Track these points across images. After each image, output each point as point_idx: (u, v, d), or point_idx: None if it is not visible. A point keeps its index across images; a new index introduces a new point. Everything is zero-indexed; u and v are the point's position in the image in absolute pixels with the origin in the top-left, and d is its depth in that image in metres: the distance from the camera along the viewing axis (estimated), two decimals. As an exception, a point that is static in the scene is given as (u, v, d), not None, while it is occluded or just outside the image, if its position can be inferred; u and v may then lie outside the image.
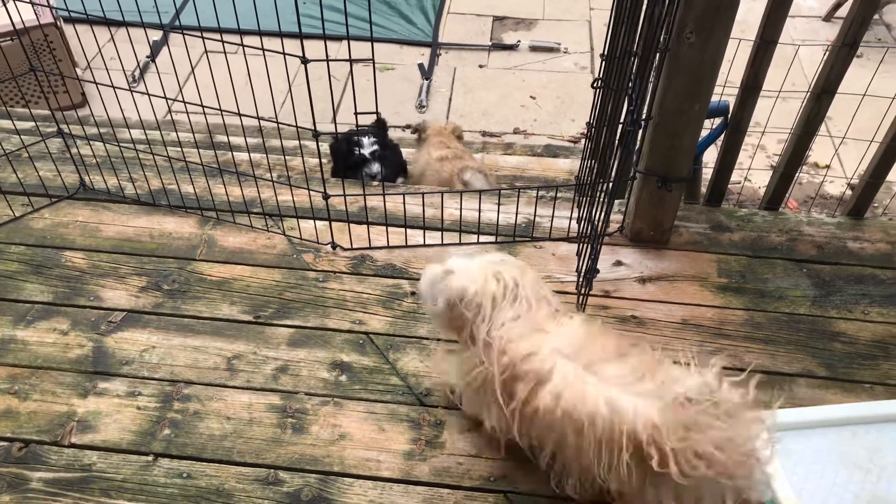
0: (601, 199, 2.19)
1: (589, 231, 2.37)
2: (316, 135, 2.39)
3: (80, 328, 2.44)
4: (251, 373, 2.33)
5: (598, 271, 2.23)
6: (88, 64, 4.26)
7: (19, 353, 2.36)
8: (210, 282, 2.60)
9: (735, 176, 2.93)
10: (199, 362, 2.36)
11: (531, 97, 5.20)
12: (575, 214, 2.77)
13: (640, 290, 2.58)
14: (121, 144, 2.87)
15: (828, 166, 4.53)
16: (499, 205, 2.80)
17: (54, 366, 2.34)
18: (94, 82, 2.58)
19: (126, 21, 2.08)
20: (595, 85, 2.25)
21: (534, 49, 5.58)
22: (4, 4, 2.55)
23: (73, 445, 2.15)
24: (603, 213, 2.14)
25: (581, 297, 2.39)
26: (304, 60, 2.16)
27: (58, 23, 4.66)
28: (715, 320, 2.48)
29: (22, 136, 2.95)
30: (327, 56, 2.18)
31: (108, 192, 2.89)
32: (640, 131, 2.46)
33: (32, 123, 3.40)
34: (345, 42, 4.81)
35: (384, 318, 2.49)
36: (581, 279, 2.41)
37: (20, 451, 2.13)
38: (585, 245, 2.42)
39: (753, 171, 4.29)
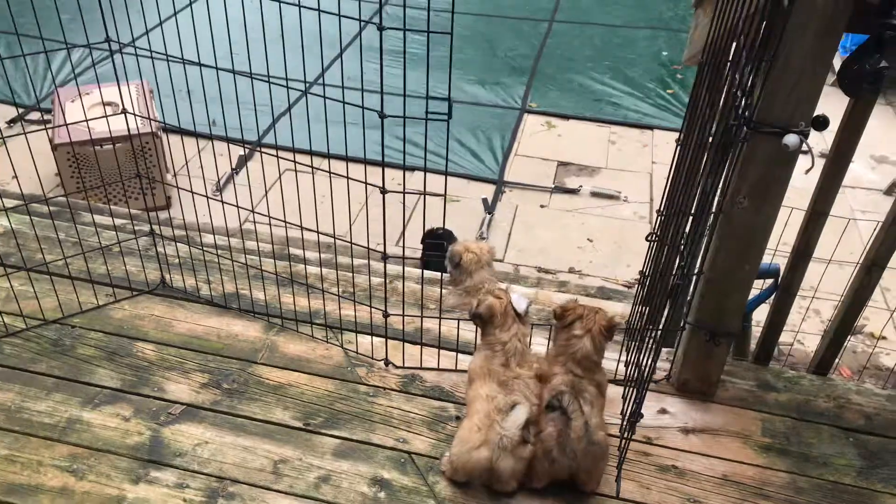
0: (649, 346, 2.27)
1: (635, 376, 2.44)
2: (384, 258, 2.57)
3: (142, 416, 2.57)
4: (295, 478, 2.41)
5: (641, 416, 2.28)
6: (177, 171, 4.63)
7: (83, 434, 2.50)
8: (267, 385, 2.72)
9: (787, 337, 2.97)
10: (247, 462, 2.45)
11: (588, 240, 5.37)
12: (623, 358, 2.84)
13: (683, 441, 2.60)
14: (203, 248, 3.11)
15: (883, 337, 4.50)
16: (549, 339, 2.89)
17: (112, 449, 2.46)
18: (191, 191, 2.84)
19: (215, 136, 2.32)
20: (650, 238, 2.38)
21: (595, 195, 5.81)
22: (125, 115, 2.88)
23: (118, 530, 2.23)
24: (650, 360, 2.22)
25: (623, 440, 2.42)
26: (384, 191, 2.37)
27: (158, 132, 5.10)
28: (756, 480, 2.47)
29: (118, 233, 3.21)
30: (404, 188, 2.38)
31: (184, 290, 3.09)
32: (692, 284, 2.57)
33: (125, 220, 3.70)
34: (416, 172, 5.10)
35: (427, 440, 2.56)
36: (624, 423, 2.45)
37: (69, 530, 2.22)
38: (631, 389, 2.48)
39: (806, 335, 4.29)
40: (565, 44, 7.87)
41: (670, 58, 7.58)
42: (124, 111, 2.92)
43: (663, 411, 2.71)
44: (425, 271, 3.56)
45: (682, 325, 2.62)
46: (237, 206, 2.82)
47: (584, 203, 5.76)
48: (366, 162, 2.35)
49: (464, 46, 7.39)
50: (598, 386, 2.36)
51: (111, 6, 2.60)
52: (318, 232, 2.61)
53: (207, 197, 2.84)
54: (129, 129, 3.22)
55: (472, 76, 7.04)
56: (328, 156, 2.55)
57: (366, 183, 2.40)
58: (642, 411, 2.35)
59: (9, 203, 3.43)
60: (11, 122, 5.93)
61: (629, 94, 6.99)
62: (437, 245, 3.99)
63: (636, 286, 2.95)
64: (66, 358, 2.75)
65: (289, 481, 2.40)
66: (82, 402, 2.61)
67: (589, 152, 6.32)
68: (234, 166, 5.54)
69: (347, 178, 2.44)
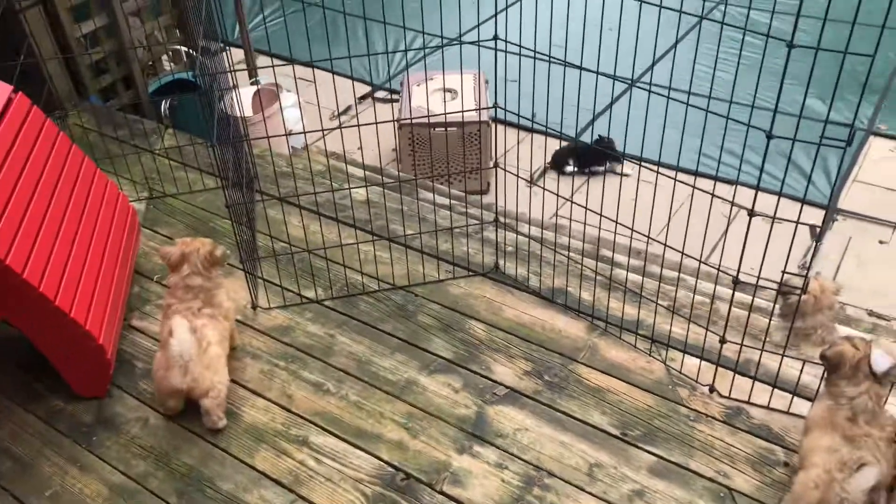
0: None
1: None
2: (735, 282, 2.45)
3: (469, 391, 2.74)
4: (609, 486, 2.41)
5: None
6: (497, 160, 4.84)
7: (418, 396, 2.72)
8: (586, 385, 2.75)
9: None
10: (563, 458, 2.50)
11: (936, 288, 4.70)
12: None
13: None
14: (531, 238, 3.21)
15: None
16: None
17: (443, 417, 2.65)
18: (521, 178, 2.94)
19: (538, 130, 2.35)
20: None
21: (949, 238, 5.06)
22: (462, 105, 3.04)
23: (443, 493, 2.40)
24: None
25: None
26: (752, 213, 2.25)
27: (489, 121, 5.37)
28: None
29: (468, 218, 3.40)
30: (775, 214, 2.25)
31: (514, 278, 3.23)
32: None
33: (454, 201, 3.95)
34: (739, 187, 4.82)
35: (751, 479, 2.42)
36: None
37: (402, 482, 2.44)
38: None
39: None
40: (929, 61, 6.90)
41: None
42: (496, 105, 3.09)
43: None
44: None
45: None
46: (569, 200, 2.86)
47: (935, 246, 5.04)
48: (716, 179, 2.26)
49: (804, 54, 6.78)
50: None
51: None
52: (670, 247, 2.56)
53: (542, 188, 2.91)
54: (462, 117, 3.40)
55: (812, 88, 6.45)
56: (696, 173, 2.49)
57: (732, 203, 2.30)
58: None
59: (358, 172, 3.83)
60: (361, 98, 6.60)
61: None
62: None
63: None
64: (408, 322, 3.02)
65: (602, 487, 2.41)
66: (420, 366, 2.84)
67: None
68: (548, 161, 5.66)
69: (713, 195, 2.35)
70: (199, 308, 2.59)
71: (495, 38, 2.68)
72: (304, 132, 3.21)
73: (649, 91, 2.36)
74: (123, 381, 2.80)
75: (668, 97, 2.30)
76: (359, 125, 2.82)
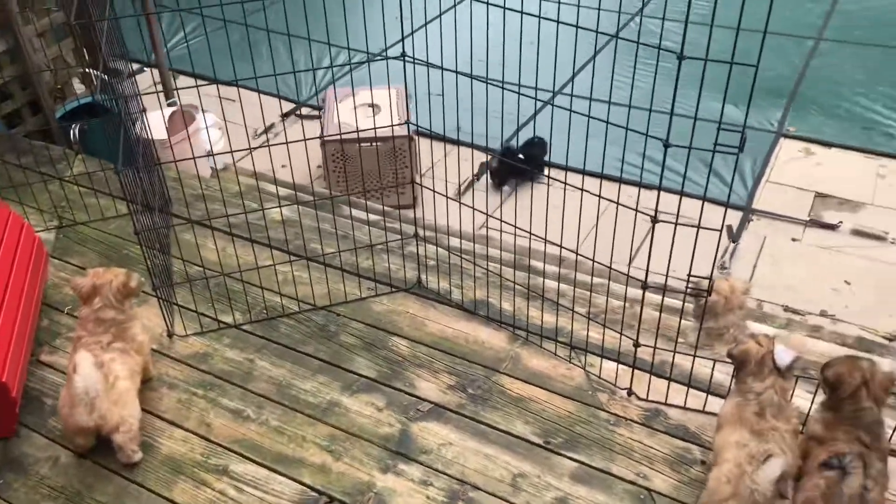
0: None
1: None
2: (644, 287, 2.51)
3: (393, 409, 2.73)
4: (532, 495, 2.43)
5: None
6: (423, 172, 4.86)
7: (341, 417, 2.69)
8: (509, 396, 2.77)
9: None
10: (487, 470, 2.51)
11: (846, 282, 4.89)
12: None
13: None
14: (450, 252, 3.23)
15: None
16: (814, 393, 2.67)
17: (366, 436, 2.63)
18: (439, 192, 2.96)
19: (463, 142, 2.39)
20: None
21: (856, 233, 5.28)
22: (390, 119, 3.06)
23: (368, 514, 2.38)
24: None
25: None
26: (655, 220, 2.31)
27: (413, 135, 5.38)
28: None
29: (386, 232, 3.40)
30: (677, 218, 2.31)
31: (437, 292, 3.23)
32: None
33: (377, 217, 3.93)
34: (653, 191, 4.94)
35: (669, 480, 2.47)
36: (901, 501, 2.20)
37: (326, 505, 2.40)
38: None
39: None
40: (832, 65, 7.23)
41: (961, 85, 6.70)
42: (408, 121, 3.10)
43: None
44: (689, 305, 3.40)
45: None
46: (486, 214, 2.89)
47: (843, 241, 5.25)
48: (602, 176, 2.32)
49: (716, 64, 7.04)
50: (883, 459, 2.14)
51: (383, 17, 2.75)
52: (578, 254, 2.60)
53: (460, 203, 2.92)
54: (390, 131, 3.41)
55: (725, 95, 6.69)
56: (583, 172, 2.54)
57: (636, 210, 2.36)
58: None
59: (283, 192, 3.79)
60: (284, 116, 6.54)
61: (907, 123, 6.28)
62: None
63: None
64: (330, 343, 2.99)
65: (526, 497, 2.42)
66: (342, 387, 2.81)
67: (852, 185, 5.75)
68: (475, 173, 5.71)
69: (618, 204, 2.41)
70: (108, 342, 2.52)
71: (403, 55, 2.69)
72: (212, 154, 3.21)
73: (549, 102, 2.40)
74: (32, 419, 2.69)
75: (570, 109, 2.35)
76: (286, 142, 2.81)
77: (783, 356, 2.31)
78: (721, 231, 2.24)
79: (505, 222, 2.80)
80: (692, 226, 2.32)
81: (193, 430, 2.64)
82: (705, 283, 3.20)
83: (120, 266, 2.79)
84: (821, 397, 2.36)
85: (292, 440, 2.61)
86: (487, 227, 5.10)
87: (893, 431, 2.45)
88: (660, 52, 2.13)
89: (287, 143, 2.89)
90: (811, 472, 2.18)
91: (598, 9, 2.27)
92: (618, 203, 2.42)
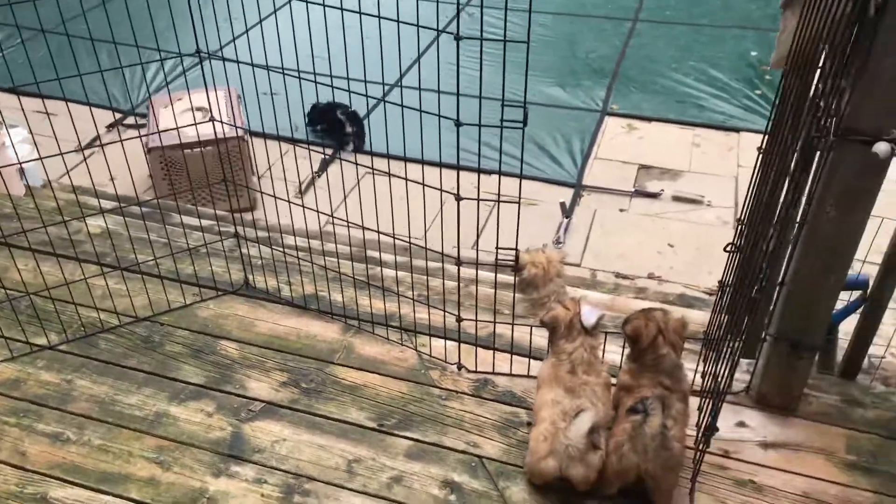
0: (727, 357, 2.21)
1: (711, 387, 2.38)
2: (458, 263, 2.59)
3: (224, 412, 2.68)
4: (368, 478, 2.46)
5: (717, 429, 2.23)
6: (260, 174, 4.80)
7: (169, 427, 2.62)
8: (343, 385, 2.79)
9: (885, 351, 2.85)
10: (322, 460, 2.52)
11: (669, 245, 5.25)
12: (700, 368, 2.77)
13: (762, 456, 2.52)
14: (284, 250, 3.21)
15: None
16: (623, 347, 2.85)
17: (196, 443, 2.57)
18: (273, 196, 2.94)
19: (298, 140, 2.40)
20: (728, 249, 2.33)
21: (676, 199, 5.68)
22: (213, 122, 3.01)
23: (200, 520, 2.33)
24: (727, 372, 2.17)
25: (698, 452, 2.37)
26: (458, 198, 2.40)
27: (245, 136, 5.28)
28: (839, 498, 2.38)
29: (205, 234, 3.35)
30: (479, 195, 2.41)
31: (266, 291, 3.20)
32: (776, 294, 2.49)
33: (211, 222, 3.85)
34: (493, 175, 5.11)
35: (499, 444, 2.57)
36: (699, 435, 2.40)
37: (155, 518, 2.33)
38: (707, 401, 2.42)
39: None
40: (649, 44, 7.73)
41: (759, 58, 7.33)
42: (212, 118, 3.04)
43: (742, 424, 2.63)
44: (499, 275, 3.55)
45: (763, 336, 2.54)
46: (317, 211, 2.90)
47: (666, 207, 5.63)
48: (441, 165, 2.39)
49: (543, 47, 7.35)
50: (684, 400, 2.32)
51: (201, 16, 2.72)
52: (393, 236, 2.66)
53: (289, 201, 2.92)
54: (215, 134, 3.36)
55: (552, 78, 6.99)
56: (405, 160, 2.60)
57: (440, 189, 2.43)
58: (719, 424, 2.30)
59: (105, 204, 3.63)
60: (109, 126, 6.24)
61: (715, 95, 6.80)
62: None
63: (716, 295, 2.88)
64: (155, 354, 2.90)
65: (362, 480, 2.46)
66: (169, 396, 2.73)
67: (671, 155, 6.18)
68: (315, 171, 5.68)
69: (423, 184, 2.48)
70: None
71: (197, 51, 2.64)
72: (21, 168, 2.98)
73: (362, 94, 2.43)
74: None
75: (384, 99, 2.39)
76: (104, 150, 2.66)
77: (588, 316, 2.46)
78: (518, 202, 2.34)
79: (338, 219, 2.82)
80: (493, 200, 2.41)
81: (6, 461, 2.49)
82: (527, 256, 3.36)
83: None
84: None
85: (118, 457, 2.52)
86: (334, 223, 5.10)
87: (696, 375, 2.67)
88: (459, 39, 2.19)
89: (104, 151, 2.76)
90: (621, 418, 2.34)
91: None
92: (423, 184, 2.48)
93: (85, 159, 3.19)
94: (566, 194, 5.74)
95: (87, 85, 2.66)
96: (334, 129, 6.02)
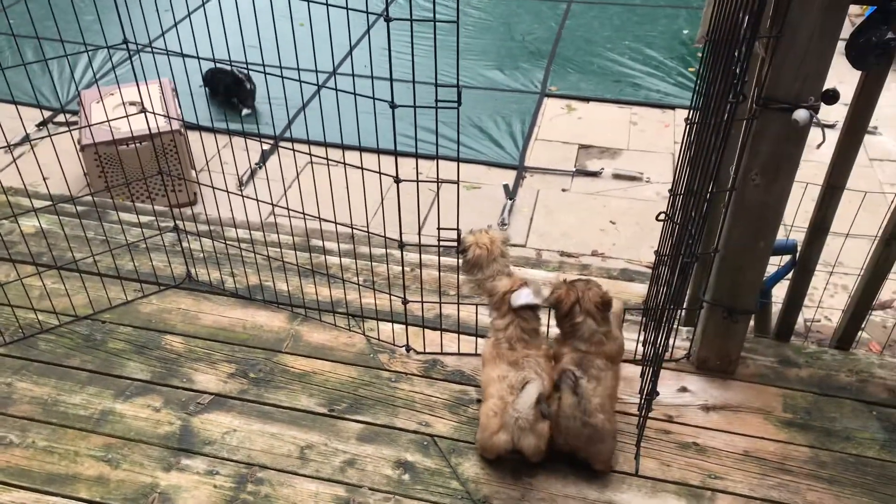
0: (665, 325, 2.29)
1: (651, 355, 2.46)
2: (401, 246, 2.61)
3: (171, 407, 2.66)
4: (321, 463, 2.47)
5: (657, 394, 2.30)
6: (199, 168, 4.73)
7: (116, 425, 2.59)
8: (292, 373, 2.79)
9: (815, 313, 2.97)
10: (274, 448, 2.52)
11: (611, 222, 5.36)
12: (641, 337, 2.85)
13: (704, 418, 2.61)
14: (226, 242, 3.18)
15: (912, 310, 4.45)
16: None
17: (144, 439, 2.54)
18: (212, 186, 2.91)
19: (235, 131, 2.39)
20: (660, 218, 2.40)
21: (617, 177, 5.79)
22: (145, 115, 2.95)
23: (152, 515, 2.31)
24: (664, 338, 2.24)
25: (641, 418, 2.45)
26: (397, 180, 2.41)
27: (182, 130, 5.19)
28: (778, 455, 2.48)
29: (143, 229, 3.29)
30: (417, 177, 2.42)
31: (210, 284, 3.17)
32: (712, 262, 2.57)
33: (150, 217, 3.78)
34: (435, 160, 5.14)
35: (449, 423, 2.60)
36: (642, 401, 2.47)
37: (106, 516, 2.31)
38: (648, 368, 2.50)
39: (834, 310, 4.26)
40: (584, 25, 7.82)
41: (691, 36, 7.50)
42: (144, 111, 2.99)
43: (683, 389, 2.72)
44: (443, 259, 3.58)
45: (699, 304, 2.63)
46: (257, 200, 2.88)
47: (606, 185, 5.74)
48: (379, 151, 2.39)
49: (481, 31, 7.39)
50: (608, 358, 2.39)
51: (126, 7, 2.67)
52: (335, 223, 2.66)
53: (228, 192, 2.90)
54: (150, 129, 3.29)
55: (490, 61, 7.02)
56: (342, 147, 2.60)
57: (379, 173, 2.44)
58: (663, 390, 2.38)
59: (38, 204, 3.53)
60: (40, 125, 6.06)
61: (650, 73, 6.94)
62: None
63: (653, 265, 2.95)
64: (98, 352, 2.85)
65: (315, 466, 2.47)
66: (115, 394, 2.70)
67: (610, 134, 6.29)
68: (256, 162, 5.62)
69: (362, 168, 2.48)
70: None
71: (125, 41, 2.59)
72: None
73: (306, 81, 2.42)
74: None
75: (318, 84, 2.38)
76: (33, 149, 2.58)
77: (516, 298, 2.50)
78: (457, 182, 2.37)
79: (273, 204, 2.80)
80: (433, 181, 2.43)
81: (-54, 470, 2.43)
82: (471, 237, 3.39)
83: None
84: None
85: (64, 458, 2.48)
86: (275, 214, 5.05)
87: (637, 344, 2.75)
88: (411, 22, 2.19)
89: (33, 150, 2.68)
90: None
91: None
92: (362, 168, 2.49)
93: (14, 160, 3.12)
94: (509, 176, 5.80)
95: (13, 82, 2.59)
96: (231, 90, 6.07)
